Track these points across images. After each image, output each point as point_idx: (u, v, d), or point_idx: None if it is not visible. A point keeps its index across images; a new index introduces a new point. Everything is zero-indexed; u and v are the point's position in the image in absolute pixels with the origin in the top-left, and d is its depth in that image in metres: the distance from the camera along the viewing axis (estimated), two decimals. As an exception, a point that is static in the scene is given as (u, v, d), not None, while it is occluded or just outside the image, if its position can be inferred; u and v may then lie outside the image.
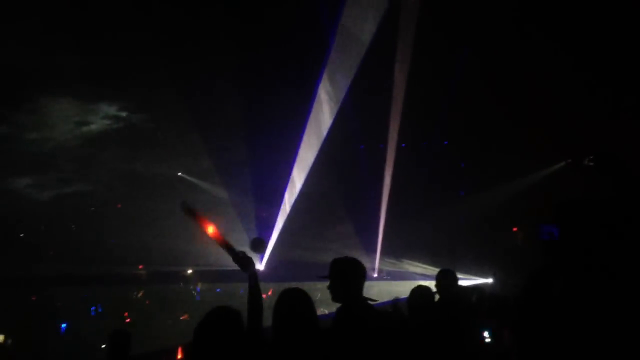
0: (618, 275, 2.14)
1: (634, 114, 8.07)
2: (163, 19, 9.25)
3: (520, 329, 2.54)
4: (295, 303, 2.76)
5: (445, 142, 11.45)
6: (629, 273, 2.12)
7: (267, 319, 2.80)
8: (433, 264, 10.73)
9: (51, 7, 8.40)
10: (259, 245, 4.76)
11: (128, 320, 11.22)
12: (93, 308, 11.82)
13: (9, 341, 10.48)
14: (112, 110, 11.46)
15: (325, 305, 4.24)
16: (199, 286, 12.94)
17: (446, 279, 4.33)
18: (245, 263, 3.01)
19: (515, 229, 11.07)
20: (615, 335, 2.09)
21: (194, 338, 2.48)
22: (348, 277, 2.94)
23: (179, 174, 12.94)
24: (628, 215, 2.15)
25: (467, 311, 4.25)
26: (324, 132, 10.88)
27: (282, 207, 11.98)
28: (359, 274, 2.98)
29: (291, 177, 11.63)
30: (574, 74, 8.41)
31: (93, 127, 11.81)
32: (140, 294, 12.50)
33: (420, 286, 4.29)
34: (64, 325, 11.26)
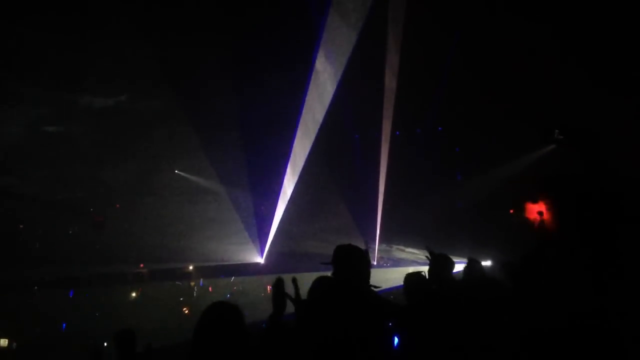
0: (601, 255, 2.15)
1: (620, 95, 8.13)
2: (154, 12, 9.21)
3: (515, 309, 2.56)
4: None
5: (440, 128, 11.46)
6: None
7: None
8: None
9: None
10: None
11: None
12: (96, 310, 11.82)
13: (14, 344, 10.49)
14: (107, 106, 11.40)
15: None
16: (202, 281, 12.96)
17: (436, 266, 4.24)
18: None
19: (512, 211, 11.11)
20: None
21: (194, 336, 2.39)
22: (352, 262, 2.91)
23: (176, 171, 12.92)
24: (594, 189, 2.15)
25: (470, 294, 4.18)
26: (319, 122, 10.85)
27: (280, 197, 11.97)
28: (363, 260, 2.95)
29: (287, 169, 11.61)
30: (565, 59, 8.43)
31: (86, 124, 11.75)
32: (140, 292, 12.53)
33: (412, 273, 4.19)
34: (64, 325, 11.29)
